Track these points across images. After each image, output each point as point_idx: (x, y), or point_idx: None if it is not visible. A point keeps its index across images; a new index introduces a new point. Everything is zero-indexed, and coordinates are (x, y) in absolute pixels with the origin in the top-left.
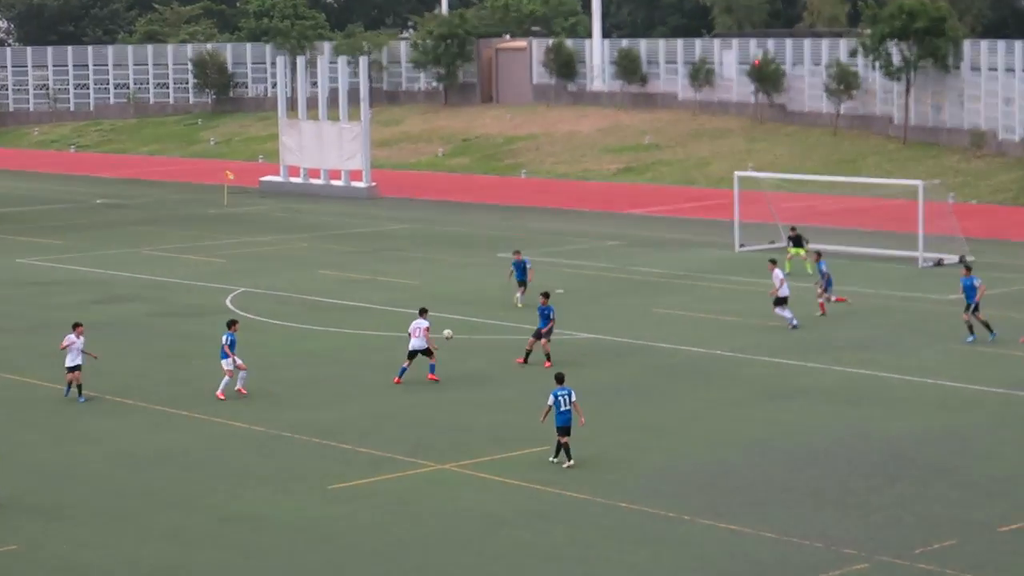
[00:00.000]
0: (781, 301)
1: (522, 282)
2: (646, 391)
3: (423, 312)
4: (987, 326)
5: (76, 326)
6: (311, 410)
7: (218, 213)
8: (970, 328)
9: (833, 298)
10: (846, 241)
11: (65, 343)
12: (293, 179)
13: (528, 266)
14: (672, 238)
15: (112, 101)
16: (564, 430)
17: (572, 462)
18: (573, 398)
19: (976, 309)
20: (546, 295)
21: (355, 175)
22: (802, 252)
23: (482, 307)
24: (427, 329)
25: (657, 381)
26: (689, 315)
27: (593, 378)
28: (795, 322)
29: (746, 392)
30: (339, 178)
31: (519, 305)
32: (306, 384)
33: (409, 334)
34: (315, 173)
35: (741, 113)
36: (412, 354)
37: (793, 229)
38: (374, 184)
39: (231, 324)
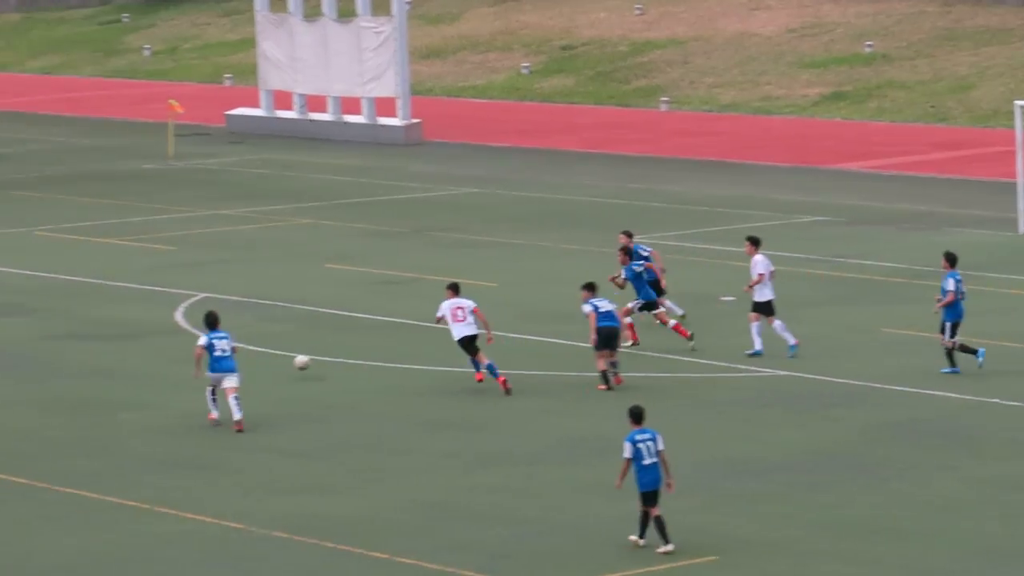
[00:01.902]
0: (764, 307)
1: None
2: (869, 465)
3: (455, 289)
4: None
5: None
6: (317, 495)
7: (159, 169)
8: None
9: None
10: None
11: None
12: (281, 113)
13: (645, 253)
14: (913, 210)
15: None
16: (651, 496)
17: (671, 546)
18: (660, 446)
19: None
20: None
21: (384, 106)
22: None
23: None
24: (477, 309)
25: (888, 447)
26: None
27: (778, 441)
28: (758, 347)
29: None
30: (358, 111)
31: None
32: (308, 452)
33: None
34: (318, 103)
35: None
36: (467, 344)
37: None
38: (416, 121)
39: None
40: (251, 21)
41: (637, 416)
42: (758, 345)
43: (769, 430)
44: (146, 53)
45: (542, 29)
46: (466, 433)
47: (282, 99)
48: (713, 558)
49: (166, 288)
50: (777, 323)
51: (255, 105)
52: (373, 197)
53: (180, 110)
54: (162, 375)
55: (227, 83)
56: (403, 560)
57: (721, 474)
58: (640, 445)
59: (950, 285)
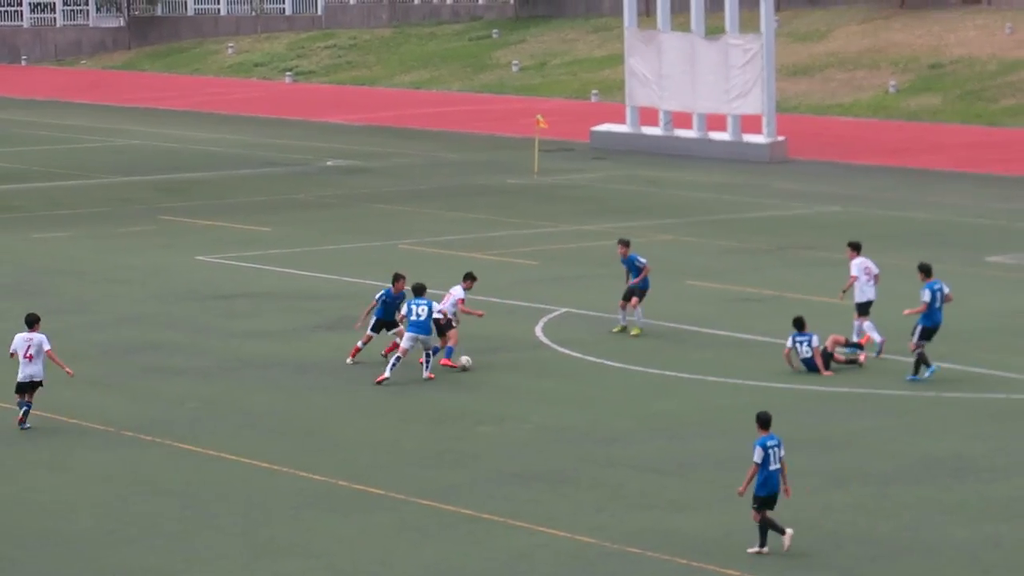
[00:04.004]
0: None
1: (636, 291)
2: None
3: (469, 278)
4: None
5: (33, 322)
6: (671, 511)
7: (524, 184)
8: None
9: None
10: None
11: (14, 348)
12: (647, 129)
13: (640, 263)
14: None
15: (352, 0)
16: (771, 501)
17: (765, 549)
18: (782, 452)
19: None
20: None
21: (750, 123)
22: None
23: (968, 344)
24: (462, 301)
25: None
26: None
27: None
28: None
29: None
30: (723, 128)
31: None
32: (662, 467)
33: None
34: (683, 120)
35: None
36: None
37: None
38: (781, 139)
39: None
40: (619, 38)
41: (765, 422)
42: (877, 338)
43: None
44: (514, 68)
45: (910, 48)
46: (820, 451)
47: (647, 115)
48: None
49: (527, 303)
50: (867, 323)
51: (620, 121)
52: (736, 214)
53: (545, 125)
54: (521, 389)
55: (593, 99)
56: None
57: None
58: (769, 451)
59: (925, 296)
